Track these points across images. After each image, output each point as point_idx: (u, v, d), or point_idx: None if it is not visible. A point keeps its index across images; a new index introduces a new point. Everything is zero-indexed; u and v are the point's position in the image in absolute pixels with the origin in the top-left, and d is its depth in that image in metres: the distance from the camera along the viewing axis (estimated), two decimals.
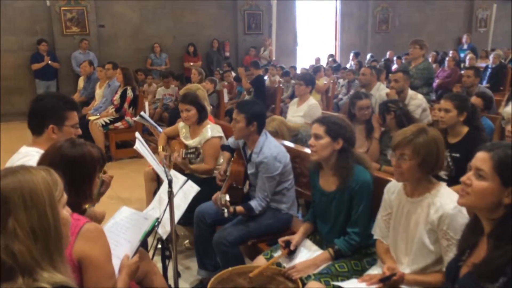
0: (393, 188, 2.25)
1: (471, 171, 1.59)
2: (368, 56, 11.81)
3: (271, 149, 2.93)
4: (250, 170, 3.02)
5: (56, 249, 1.23)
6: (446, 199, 1.99)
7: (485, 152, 1.56)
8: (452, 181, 2.63)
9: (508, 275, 1.42)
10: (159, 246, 2.74)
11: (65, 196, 1.33)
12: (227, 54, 11.84)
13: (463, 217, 1.91)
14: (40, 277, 1.17)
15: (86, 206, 2.03)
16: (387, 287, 1.95)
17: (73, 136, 2.37)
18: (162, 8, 10.89)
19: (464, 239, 1.72)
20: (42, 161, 1.83)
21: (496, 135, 3.77)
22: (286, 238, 2.59)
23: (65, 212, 1.33)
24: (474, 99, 4.00)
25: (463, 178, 1.60)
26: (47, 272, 1.18)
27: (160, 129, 4.28)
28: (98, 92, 7.24)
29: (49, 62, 9.46)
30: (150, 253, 2.64)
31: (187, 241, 3.91)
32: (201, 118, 3.70)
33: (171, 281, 2.59)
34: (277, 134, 4.01)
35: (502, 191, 1.51)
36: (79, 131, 2.47)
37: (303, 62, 12.65)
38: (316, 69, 8.92)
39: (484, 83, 8.04)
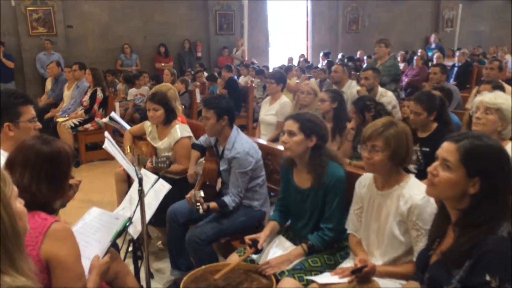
0: (364, 182, 2.27)
1: (438, 161, 1.59)
2: (339, 56, 11.94)
3: (243, 144, 2.93)
4: (223, 167, 3.00)
5: (16, 247, 1.18)
6: (414, 190, 2.02)
7: (452, 143, 1.56)
8: (421, 175, 2.67)
9: (474, 258, 1.45)
10: (131, 247, 2.68)
11: (15, 189, 1.27)
12: (199, 54, 11.76)
13: (432, 207, 1.93)
14: (1, 283, 1.11)
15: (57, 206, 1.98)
16: (358, 279, 1.96)
17: (32, 131, 2.31)
18: (132, 7, 10.71)
19: (433, 229, 1.75)
20: (13, 160, 1.77)
21: (464, 129, 3.86)
22: (252, 236, 2.52)
23: (19, 204, 1.28)
24: (433, 92, 4.09)
25: (430, 169, 1.61)
26: (9, 276, 1.13)
27: None
28: (67, 93, 7.08)
29: (1, 58, 9.02)
30: (122, 254, 2.58)
31: (159, 242, 3.85)
32: (169, 118, 3.62)
33: (143, 283, 2.54)
34: (315, 94, 4.32)
35: (467, 181, 1.52)
36: (39, 125, 2.41)
37: (275, 62, 12.69)
38: (288, 69, 8.97)
39: (452, 81, 8.24)
